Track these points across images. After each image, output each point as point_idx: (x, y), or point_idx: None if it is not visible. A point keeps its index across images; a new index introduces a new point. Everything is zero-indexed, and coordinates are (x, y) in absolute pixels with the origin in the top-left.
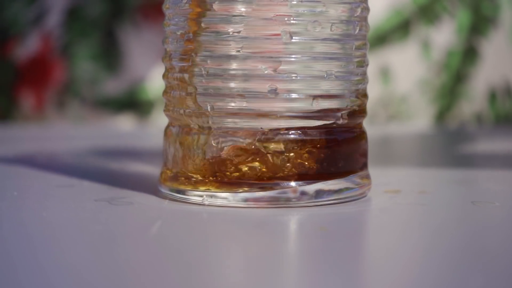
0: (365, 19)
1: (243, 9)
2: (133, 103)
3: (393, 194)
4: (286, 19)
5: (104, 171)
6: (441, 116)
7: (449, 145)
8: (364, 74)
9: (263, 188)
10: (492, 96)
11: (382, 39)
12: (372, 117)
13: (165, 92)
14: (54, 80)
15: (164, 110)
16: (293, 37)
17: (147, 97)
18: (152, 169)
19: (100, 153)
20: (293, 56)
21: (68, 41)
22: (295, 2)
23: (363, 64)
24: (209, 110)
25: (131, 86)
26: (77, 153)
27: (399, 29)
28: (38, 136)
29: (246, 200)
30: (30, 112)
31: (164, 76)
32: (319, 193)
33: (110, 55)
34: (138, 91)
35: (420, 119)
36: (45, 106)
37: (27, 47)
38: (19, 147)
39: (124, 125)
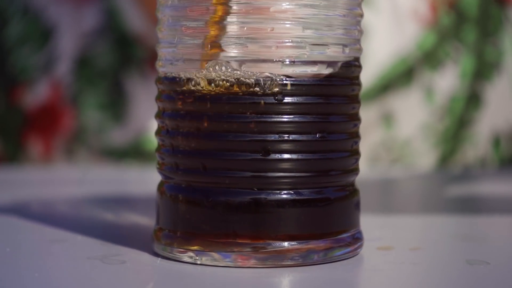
0: (357, 78)
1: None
2: (138, 153)
3: (386, 251)
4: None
5: (99, 222)
6: (445, 160)
7: (452, 190)
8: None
9: (254, 248)
10: (496, 141)
11: (386, 86)
12: (375, 161)
13: (157, 149)
14: (63, 128)
15: (157, 168)
16: (285, 97)
17: (151, 148)
18: (147, 221)
19: (98, 202)
20: (285, 116)
21: (77, 90)
22: (287, 63)
23: (356, 122)
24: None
25: (137, 136)
26: (75, 201)
27: (404, 76)
28: (39, 180)
29: (237, 260)
30: (37, 159)
31: (156, 133)
32: (311, 253)
33: (117, 105)
34: (143, 142)
35: (423, 163)
36: (52, 154)
37: (36, 94)
38: (18, 193)
39: (127, 173)
